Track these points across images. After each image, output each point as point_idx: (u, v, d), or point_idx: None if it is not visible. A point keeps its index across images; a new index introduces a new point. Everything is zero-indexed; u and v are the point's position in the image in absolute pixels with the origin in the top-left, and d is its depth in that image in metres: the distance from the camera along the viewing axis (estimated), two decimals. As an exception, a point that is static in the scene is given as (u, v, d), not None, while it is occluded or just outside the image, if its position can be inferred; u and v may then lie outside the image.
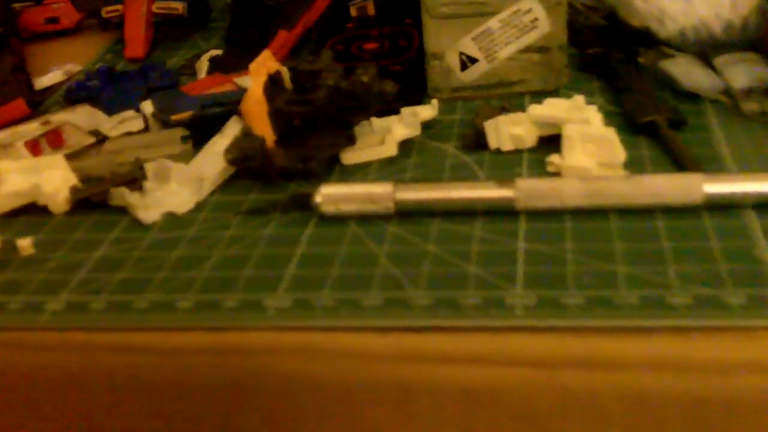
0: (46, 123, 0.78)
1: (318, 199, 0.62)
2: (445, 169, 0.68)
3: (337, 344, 0.53)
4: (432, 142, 0.72)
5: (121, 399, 0.56)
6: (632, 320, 0.50)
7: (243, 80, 0.80)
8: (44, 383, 0.57)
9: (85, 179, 0.70)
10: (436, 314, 0.52)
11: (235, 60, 0.87)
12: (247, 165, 0.67)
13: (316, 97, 0.68)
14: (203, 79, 0.82)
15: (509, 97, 0.77)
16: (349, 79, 0.68)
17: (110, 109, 0.83)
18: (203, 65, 0.90)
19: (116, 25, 1.04)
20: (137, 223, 0.66)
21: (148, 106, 0.76)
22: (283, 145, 0.70)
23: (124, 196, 0.66)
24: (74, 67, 0.97)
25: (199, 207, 0.67)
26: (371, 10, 0.95)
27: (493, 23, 0.75)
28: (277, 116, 0.70)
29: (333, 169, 0.70)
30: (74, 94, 0.89)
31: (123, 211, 0.67)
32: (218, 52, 0.93)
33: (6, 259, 0.64)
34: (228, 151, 0.67)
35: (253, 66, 0.70)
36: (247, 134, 0.68)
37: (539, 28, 0.75)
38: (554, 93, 0.77)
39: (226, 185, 0.70)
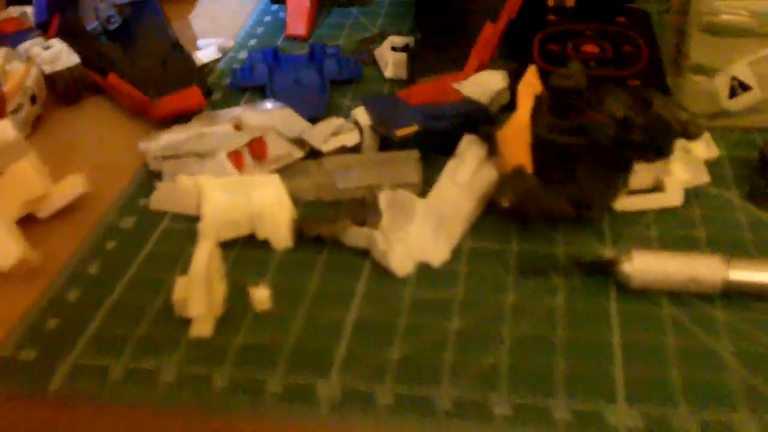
0: (238, 126, 0.65)
1: (627, 269, 0.51)
2: (742, 229, 0.57)
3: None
4: (709, 188, 0.61)
5: None
6: None
7: (464, 87, 0.68)
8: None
9: (301, 204, 0.59)
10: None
11: (435, 55, 0.74)
12: (522, 210, 0.56)
13: (600, 130, 0.56)
14: (421, 84, 0.70)
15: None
16: (644, 111, 0.56)
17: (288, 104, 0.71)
18: (387, 55, 0.78)
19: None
20: (382, 271, 0.55)
21: (363, 116, 0.64)
22: (544, 183, 0.59)
23: (371, 238, 0.55)
24: (227, 42, 0.84)
25: (454, 256, 0.56)
26: (570, 0, 0.83)
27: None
28: (541, 147, 0.58)
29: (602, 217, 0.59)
30: (241, 81, 0.77)
31: (354, 251, 0.56)
32: (399, 39, 0.80)
33: (237, 313, 0.52)
34: (501, 192, 0.55)
35: (522, 86, 0.58)
36: (518, 172, 0.56)
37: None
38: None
39: (474, 227, 0.59)
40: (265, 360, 0.49)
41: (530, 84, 0.58)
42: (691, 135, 0.56)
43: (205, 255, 0.51)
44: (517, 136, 0.58)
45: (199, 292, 0.50)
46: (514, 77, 0.69)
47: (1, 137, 0.59)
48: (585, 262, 0.54)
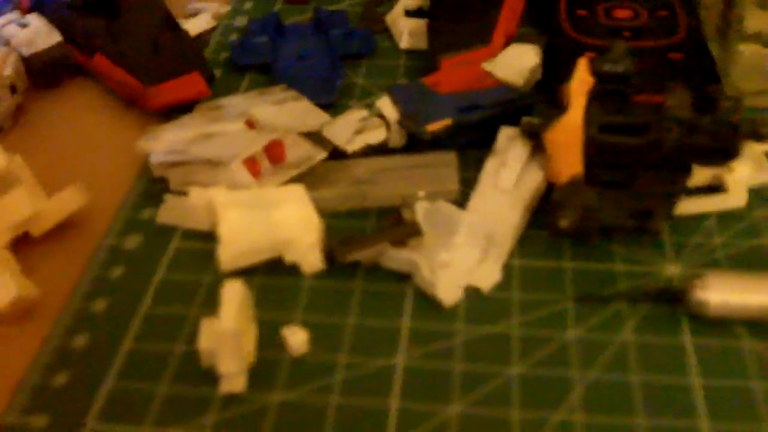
0: (251, 124, 0.59)
1: (701, 296, 0.46)
2: (817, 236, 0.52)
3: None
4: (770, 185, 0.56)
5: None
6: None
7: (495, 67, 0.61)
8: None
9: (325, 216, 0.53)
10: None
11: (455, 27, 0.67)
12: (580, 229, 0.50)
13: (663, 135, 0.51)
14: (447, 68, 0.63)
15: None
16: (710, 114, 0.51)
17: (296, 86, 0.64)
18: (401, 23, 0.71)
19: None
20: (427, 300, 0.49)
21: (389, 109, 0.58)
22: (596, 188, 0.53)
23: (413, 263, 0.49)
24: (221, 8, 0.76)
25: (504, 278, 0.51)
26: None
27: None
28: (593, 147, 0.52)
29: (660, 223, 0.54)
30: (242, 58, 0.69)
31: (393, 274, 0.50)
32: (411, 1, 0.73)
33: (270, 360, 0.47)
34: (559, 213, 0.50)
35: (575, 84, 0.52)
36: (575, 186, 0.51)
37: None
38: None
39: (520, 240, 0.53)
40: (311, 426, 0.43)
41: (583, 81, 0.52)
42: (762, 136, 0.51)
43: (235, 305, 0.45)
44: (570, 140, 0.52)
45: (230, 347, 0.44)
46: (547, 52, 0.63)
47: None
48: (652, 290, 0.48)
